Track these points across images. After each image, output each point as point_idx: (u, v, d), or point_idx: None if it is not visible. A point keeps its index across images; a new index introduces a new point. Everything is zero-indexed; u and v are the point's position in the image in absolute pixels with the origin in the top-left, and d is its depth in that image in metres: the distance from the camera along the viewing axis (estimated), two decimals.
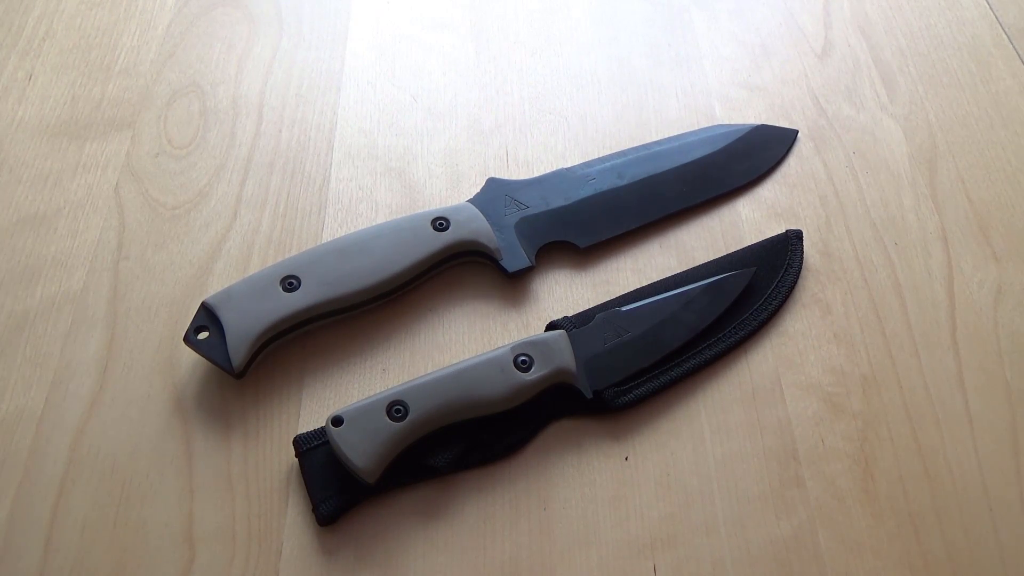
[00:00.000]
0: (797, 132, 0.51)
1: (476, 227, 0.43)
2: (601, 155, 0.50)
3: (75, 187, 0.47)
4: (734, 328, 0.42)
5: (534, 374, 0.38)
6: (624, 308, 0.42)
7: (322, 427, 0.38)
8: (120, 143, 0.49)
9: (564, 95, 0.53)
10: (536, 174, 0.48)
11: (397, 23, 0.56)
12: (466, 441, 0.38)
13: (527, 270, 0.43)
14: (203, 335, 0.39)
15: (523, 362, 0.38)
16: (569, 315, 0.42)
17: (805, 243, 0.46)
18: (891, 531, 0.37)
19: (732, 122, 0.51)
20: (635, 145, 0.50)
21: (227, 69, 0.53)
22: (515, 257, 0.43)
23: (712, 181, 0.48)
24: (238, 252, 0.45)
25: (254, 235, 0.46)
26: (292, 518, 0.37)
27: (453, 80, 0.53)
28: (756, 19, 0.57)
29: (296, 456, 0.38)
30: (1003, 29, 0.56)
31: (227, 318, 0.39)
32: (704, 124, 0.51)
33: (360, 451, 0.35)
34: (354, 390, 0.41)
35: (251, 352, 0.39)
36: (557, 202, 0.46)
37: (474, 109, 0.52)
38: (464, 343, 0.42)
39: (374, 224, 0.43)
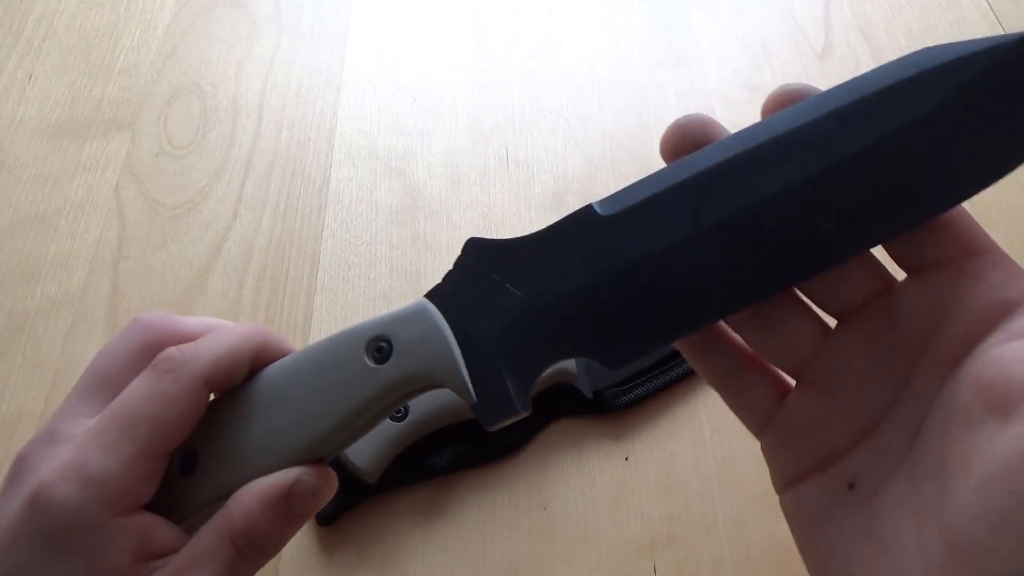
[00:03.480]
0: None
1: (431, 352, 0.25)
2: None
3: (75, 187, 0.47)
4: None
5: None
6: None
7: None
8: (120, 143, 0.49)
9: (564, 95, 0.53)
10: (536, 174, 0.48)
11: (397, 23, 0.56)
12: (466, 441, 0.38)
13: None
14: None
15: None
16: None
17: None
18: None
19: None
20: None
21: (227, 69, 0.53)
22: (495, 397, 0.24)
23: (904, 193, 0.22)
24: (238, 252, 0.45)
25: (254, 235, 0.46)
26: None
27: (453, 80, 0.53)
28: (756, 19, 0.57)
29: None
30: (1003, 29, 0.56)
31: None
32: None
33: (360, 451, 0.35)
34: None
35: None
36: (574, 281, 0.23)
37: (474, 109, 0.52)
38: None
39: (298, 350, 0.27)
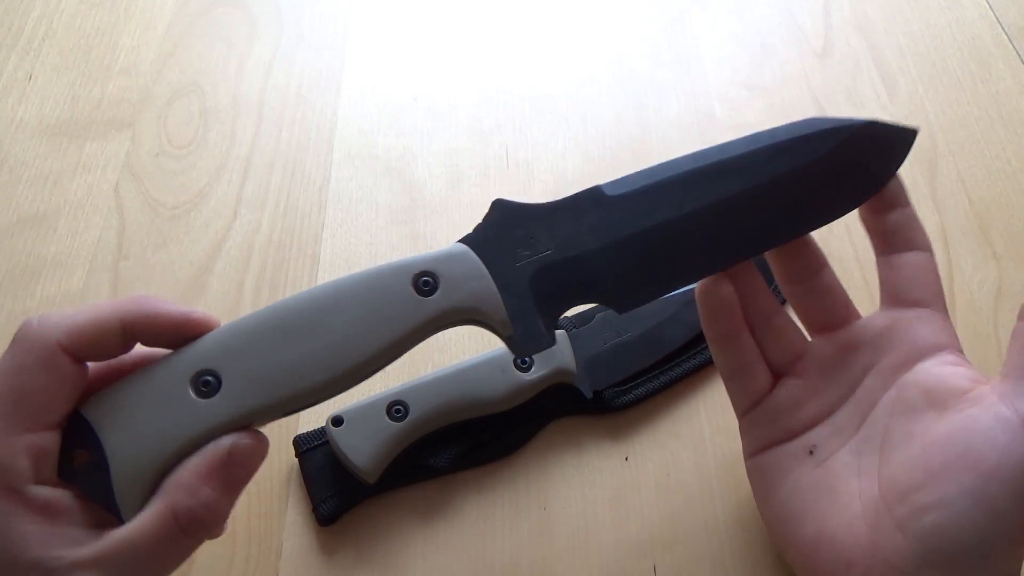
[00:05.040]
0: (916, 132, 0.33)
1: (476, 288, 0.29)
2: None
3: (75, 187, 0.47)
4: None
5: (534, 374, 0.38)
6: None
7: (322, 427, 0.38)
8: (120, 143, 0.49)
9: (564, 95, 0.53)
10: (536, 174, 0.48)
11: (397, 23, 0.56)
12: (466, 441, 0.38)
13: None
14: (80, 461, 0.25)
15: (523, 362, 0.38)
16: (569, 315, 0.42)
17: None
18: None
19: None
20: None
21: (227, 69, 0.53)
22: (528, 330, 0.29)
23: (804, 208, 0.32)
24: (238, 252, 0.45)
25: (254, 235, 0.46)
26: (292, 518, 0.37)
27: (453, 80, 0.53)
28: (756, 19, 0.57)
29: (296, 456, 0.38)
30: (1003, 29, 0.56)
31: (113, 441, 0.25)
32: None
33: (360, 451, 0.35)
34: (354, 390, 0.40)
35: (149, 491, 0.26)
36: (590, 242, 0.30)
37: (474, 109, 0.52)
38: (464, 343, 0.42)
39: (333, 280, 0.28)
